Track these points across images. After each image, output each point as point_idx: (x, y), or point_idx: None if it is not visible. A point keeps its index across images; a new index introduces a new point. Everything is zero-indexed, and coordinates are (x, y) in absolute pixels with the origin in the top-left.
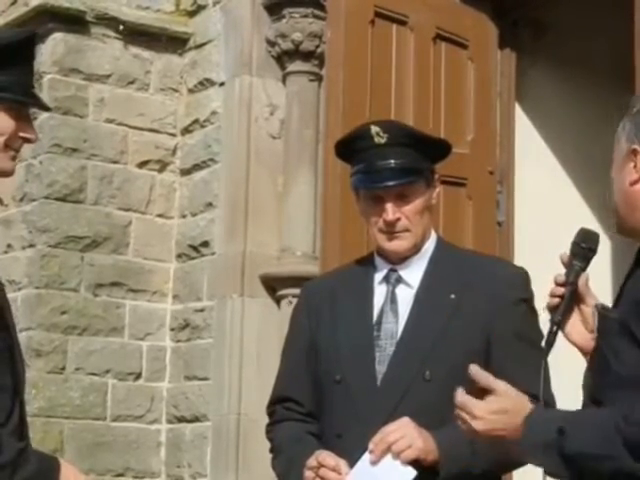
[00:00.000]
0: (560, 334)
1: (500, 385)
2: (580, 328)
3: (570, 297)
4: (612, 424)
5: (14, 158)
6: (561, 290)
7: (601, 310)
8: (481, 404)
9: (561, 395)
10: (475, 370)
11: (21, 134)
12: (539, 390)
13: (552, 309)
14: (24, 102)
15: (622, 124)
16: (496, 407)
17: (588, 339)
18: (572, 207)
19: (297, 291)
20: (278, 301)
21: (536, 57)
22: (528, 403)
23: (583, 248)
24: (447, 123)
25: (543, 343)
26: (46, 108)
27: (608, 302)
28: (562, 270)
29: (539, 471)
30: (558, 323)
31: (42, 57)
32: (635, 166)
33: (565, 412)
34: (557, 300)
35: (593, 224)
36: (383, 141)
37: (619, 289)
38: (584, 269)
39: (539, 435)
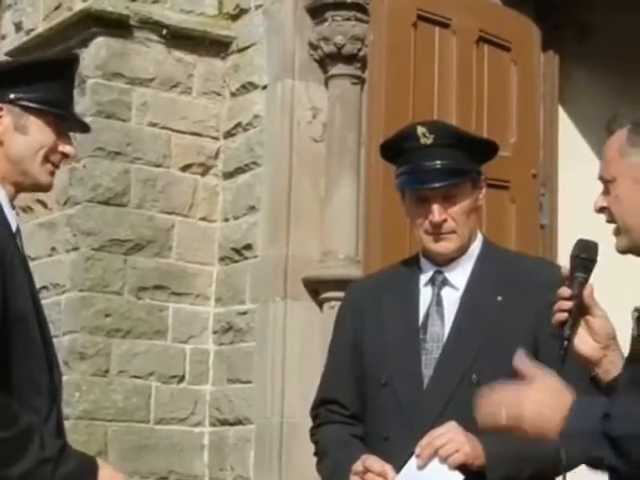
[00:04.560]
0: None
1: (542, 375)
2: (588, 340)
3: (577, 310)
4: None
5: (52, 173)
6: (567, 304)
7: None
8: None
9: None
10: (519, 358)
11: (60, 149)
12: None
13: (560, 324)
14: (64, 116)
15: (628, 140)
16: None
17: (597, 350)
18: None
19: (340, 294)
20: (321, 304)
21: (579, 59)
22: (568, 395)
23: (583, 259)
24: (490, 126)
25: (556, 359)
26: (85, 128)
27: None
28: (606, 273)
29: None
30: (568, 338)
31: (85, 61)
32: None
33: (605, 399)
34: (564, 315)
35: None
36: (429, 142)
37: None
38: (587, 280)
39: (584, 421)
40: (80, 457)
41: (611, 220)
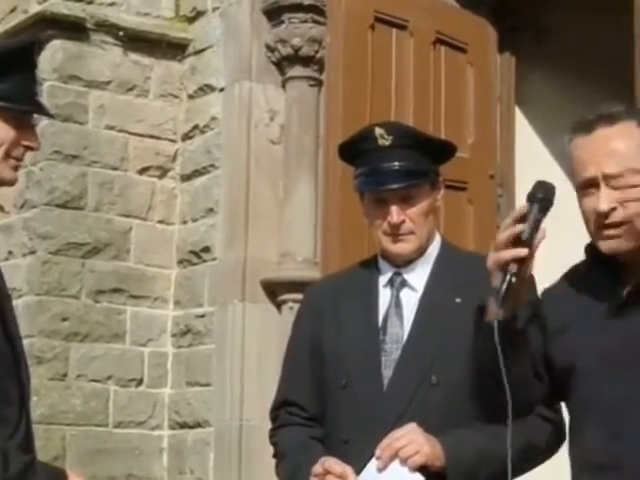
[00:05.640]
0: None
1: None
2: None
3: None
4: None
5: (16, 168)
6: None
7: None
8: None
9: None
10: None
11: (23, 142)
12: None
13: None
14: (23, 110)
15: None
16: None
17: None
18: (572, 210)
19: (298, 296)
20: (279, 306)
21: (536, 61)
22: None
23: (541, 199)
24: (447, 127)
25: (497, 294)
26: (48, 115)
27: None
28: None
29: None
30: (514, 274)
31: (42, 64)
32: None
33: None
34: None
35: None
36: (387, 143)
37: None
38: (541, 221)
39: None
40: (48, 472)
41: (618, 220)
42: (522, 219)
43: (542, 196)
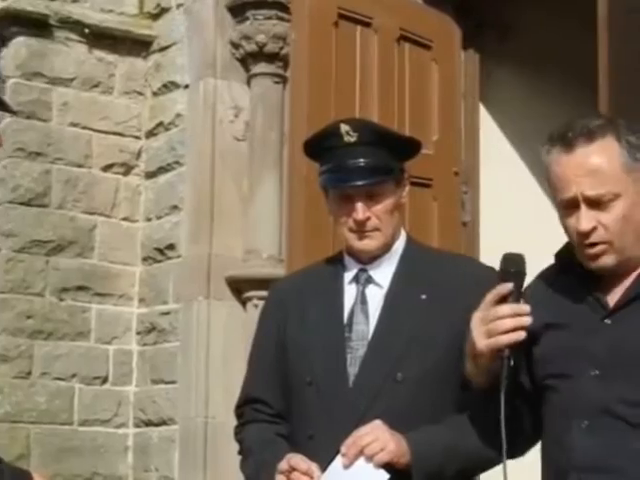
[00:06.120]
0: None
1: None
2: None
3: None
4: None
5: None
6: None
7: None
8: None
9: None
10: None
11: None
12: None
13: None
14: None
15: (630, 155)
16: None
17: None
18: (536, 206)
19: (263, 293)
20: (244, 303)
21: (500, 58)
22: None
23: (514, 273)
24: (412, 124)
25: (502, 379)
26: (11, 111)
27: None
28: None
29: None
30: (508, 357)
31: (5, 61)
32: None
33: None
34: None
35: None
36: (353, 140)
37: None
38: (520, 295)
39: None
40: (13, 473)
41: (599, 240)
42: (503, 299)
43: (515, 270)
